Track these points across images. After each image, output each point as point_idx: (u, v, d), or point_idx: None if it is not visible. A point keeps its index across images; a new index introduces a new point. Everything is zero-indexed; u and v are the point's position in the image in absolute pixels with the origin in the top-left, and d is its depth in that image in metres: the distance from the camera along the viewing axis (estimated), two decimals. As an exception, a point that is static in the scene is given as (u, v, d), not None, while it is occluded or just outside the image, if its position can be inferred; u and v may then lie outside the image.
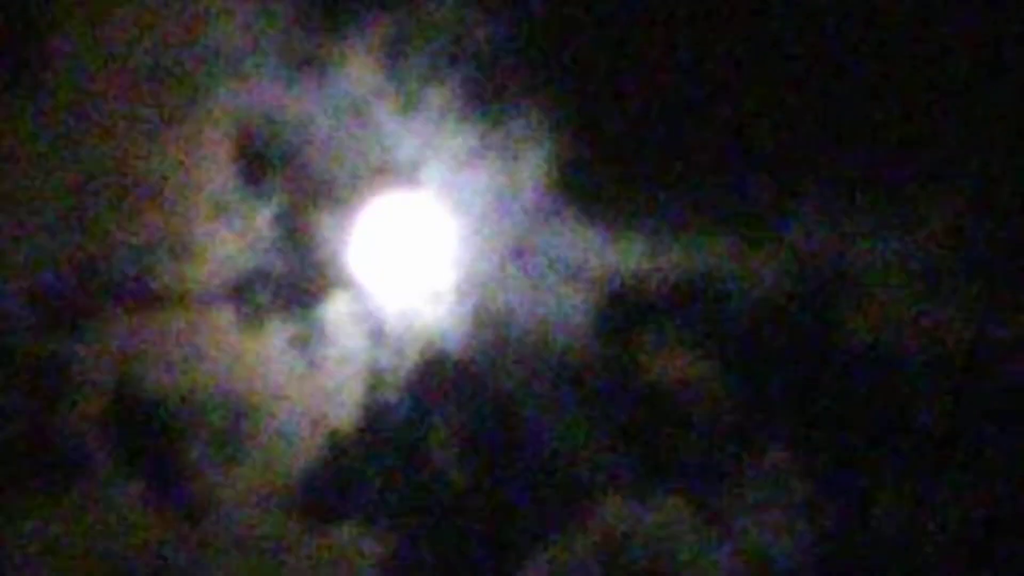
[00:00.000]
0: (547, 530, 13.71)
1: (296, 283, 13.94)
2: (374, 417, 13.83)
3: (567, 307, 13.94)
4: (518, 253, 13.99)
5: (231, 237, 13.85)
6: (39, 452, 13.55)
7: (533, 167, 13.98)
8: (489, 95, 14.05)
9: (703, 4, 13.99)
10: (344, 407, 13.82)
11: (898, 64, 13.80)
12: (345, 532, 13.71)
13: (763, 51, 13.84)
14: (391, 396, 13.90)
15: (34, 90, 13.74)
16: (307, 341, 13.85)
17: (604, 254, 13.96)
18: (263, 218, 13.91)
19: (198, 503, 13.69)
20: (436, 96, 14.02)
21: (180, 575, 13.58)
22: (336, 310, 13.91)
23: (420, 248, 14.06)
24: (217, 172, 13.84)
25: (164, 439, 13.76)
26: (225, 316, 13.80)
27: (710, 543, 13.77)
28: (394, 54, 13.99)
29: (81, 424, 13.61)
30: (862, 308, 13.87)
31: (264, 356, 13.80)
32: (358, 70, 13.96)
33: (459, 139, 13.97)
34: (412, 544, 13.73)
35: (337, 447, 13.80)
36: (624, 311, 13.99)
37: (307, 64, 13.92)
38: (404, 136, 13.97)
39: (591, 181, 14.01)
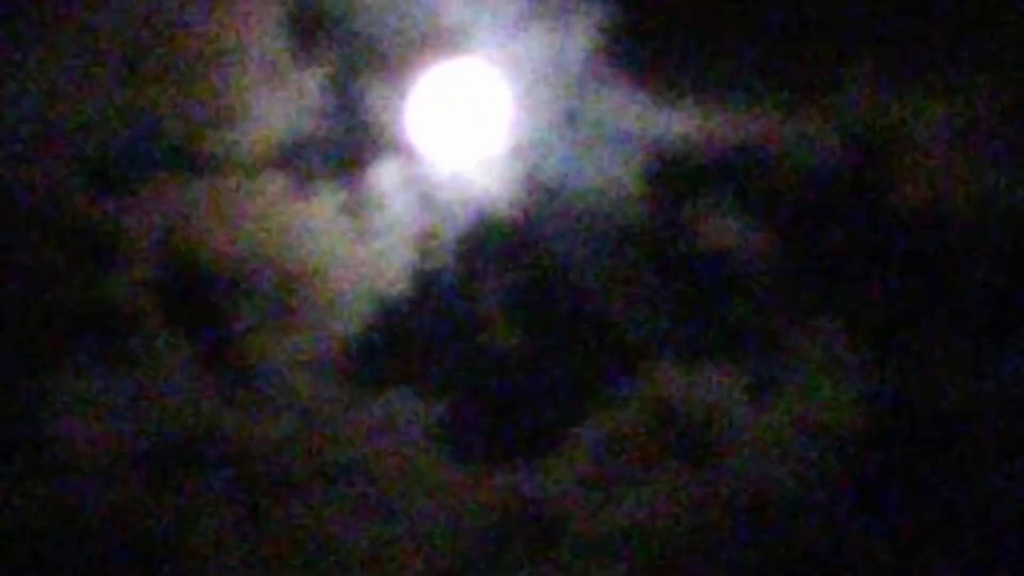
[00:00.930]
0: (596, 395, 13.63)
1: (346, 149, 13.89)
2: (424, 283, 13.78)
3: (618, 172, 13.87)
4: (568, 119, 13.89)
5: (281, 102, 13.79)
6: (90, 315, 13.56)
7: (582, 33, 13.88)
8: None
9: None
10: (394, 273, 13.77)
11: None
12: (394, 397, 13.66)
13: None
14: (441, 262, 13.83)
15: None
16: (357, 207, 13.81)
17: (655, 120, 13.88)
18: (313, 83, 13.85)
19: (247, 367, 13.67)
20: (486, -38, 13.93)
21: (229, 437, 13.54)
22: (386, 176, 13.86)
23: (469, 113, 13.97)
24: (266, 37, 13.79)
25: (214, 304, 13.73)
26: (275, 182, 13.76)
27: (761, 410, 13.70)
28: (444, -82, 13.90)
29: (131, 288, 13.61)
30: (915, 172, 13.76)
31: (314, 222, 13.77)
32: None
33: (508, 5, 13.86)
34: (461, 409, 13.67)
35: (386, 313, 13.75)
36: (675, 177, 13.91)
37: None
38: (453, 1, 13.86)
39: (640, 47, 13.92)
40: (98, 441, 13.51)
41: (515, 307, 13.87)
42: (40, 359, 13.51)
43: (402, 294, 13.82)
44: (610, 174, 13.89)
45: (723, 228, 13.95)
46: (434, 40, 13.99)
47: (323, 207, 13.87)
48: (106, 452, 13.46)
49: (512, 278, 13.89)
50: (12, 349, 13.50)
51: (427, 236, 13.88)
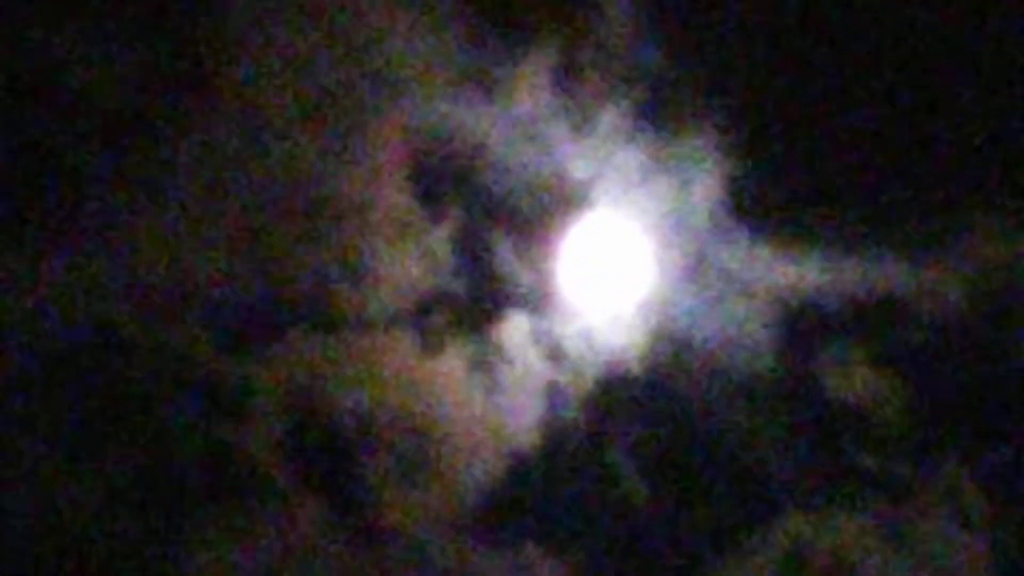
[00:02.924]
0: (729, 544, 13.65)
1: (474, 304, 13.94)
2: (555, 437, 13.82)
3: (745, 324, 13.94)
4: (694, 271, 13.98)
5: (409, 259, 13.87)
6: (222, 473, 13.58)
7: (705, 186, 14.01)
8: (661, 114, 14.08)
9: (872, 24, 13.96)
10: (524, 427, 13.82)
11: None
12: (527, 553, 13.66)
13: (938, 71, 13.83)
14: (571, 415, 13.88)
15: (212, 117, 13.81)
16: (486, 362, 13.85)
17: (779, 271, 13.96)
18: (440, 239, 13.94)
19: (378, 525, 13.69)
20: (608, 116, 14.04)
21: (361, 597, 13.54)
22: (515, 331, 13.91)
23: (596, 267, 14.05)
24: (394, 193, 13.90)
25: (345, 461, 13.77)
26: (405, 338, 13.81)
27: (890, 557, 13.71)
28: (566, 74, 14.03)
29: (263, 446, 13.64)
30: (1042, 322, 13.83)
31: (444, 377, 13.81)
32: (530, 89, 14.00)
33: (631, 158, 13.99)
34: (594, 563, 13.66)
35: (518, 467, 13.80)
36: (802, 327, 13.99)
37: (479, 84, 13.96)
38: (577, 156, 14.00)
39: (763, 199, 14.02)
40: (229, 597, 13.48)
41: (645, 460, 13.87)
42: (174, 516, 13.50)
43: (533, 448, 13.84)
44: (737, 325, 13.95)
45: (852, 377, 14.00)
46: (558, 194, 14.09)
47: (453, 362, 13.91)
48: (238, 610, 13.44)
49: (642, 431, 13.92)
50: (147, 507, 13.51)
51: (557, 390, 13.91)
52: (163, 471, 13.48)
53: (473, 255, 14.04)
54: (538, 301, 14.01)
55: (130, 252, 13.48)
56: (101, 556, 13.27)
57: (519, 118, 13.96)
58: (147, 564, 13.34)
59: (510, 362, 13.92)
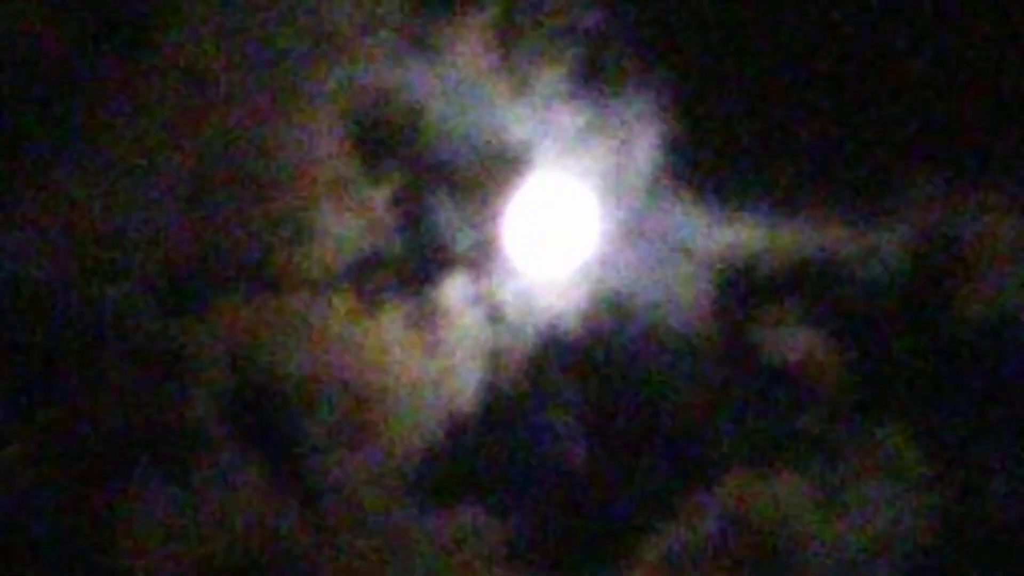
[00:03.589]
0: (667, 507, 13.68)
1: (414, 265, 13.93)
2: (493, 398, 13.80)
3: (683, 286, 13.94)
4: (632, 233, 13.98)
5: (349, 219, 13.84)
6: (160, 435, 13.56)
7: (644, 147, 13.99)
8: (600, 75, 14.06)
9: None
10: (463, 389, 13.80)
11: (1013, 43, 13.79)
12: (465, 514, 13.67)
13: (877, 26, 13.82)
14: (510, 377, 13.86)
15: (149, 76, 13.77)
16: (426, 323, 13.84)
17: (719, 234, 13.97)
18: (379, 199, 13.91)
19: (317, 485, 13.67)
20: (548, 77, 14.01)
21: (299, 557, 13.53)
22: (454, 291, 13.90)
23: (535, 228, 14.04)
24: (333, 153, 13.86)
25: (283, 422, 13.76)
26: (344, 298, 13.79)
27: (829, 519, 13.76)
28: (505, 35, 13.98)
29: (201, 407, 13.62)
30: (980, 284, 13.86)
31: (383, 338, 13.79)
32: (469, 50, 13.96)
33: (570, 120, 13.97)
34: (532, 525, 13.69)
35: (456, 429, 13.78)
36: (741, 290, 13.99)
37: (419, 45, 13.91)
38: (516, 117, 13.97)
39: (703, 161, 14.01)
40: (168, 561, 13.47)
41: (586, 421, 13.89)
42: (110, 478, 13.48)
43: (472, 409, 13.83)
44: (676, 287, 13.96)
45: (790, 339, 14.01)
46: (500, 155, 14.07)
47: (391, 323, 13.90)
48: (176, 573, 13.42)
49: (582, 392, 13.92)
50: (82, 468, 13.47)
51: (496, 351, 13.90)
52: (99, 433, 13.45)
53: (413, 216, 14.03)
54: (478, 262, 13.99)
55: (66, 212, 13.43)
56: (34, 519, 13.24)
57: (458, 79, 13.93)
58: (84, 527, 13.31)
59: (449, 323, 13.91)
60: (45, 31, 13.35)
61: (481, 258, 13.98)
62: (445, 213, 14.00)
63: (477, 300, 13.91)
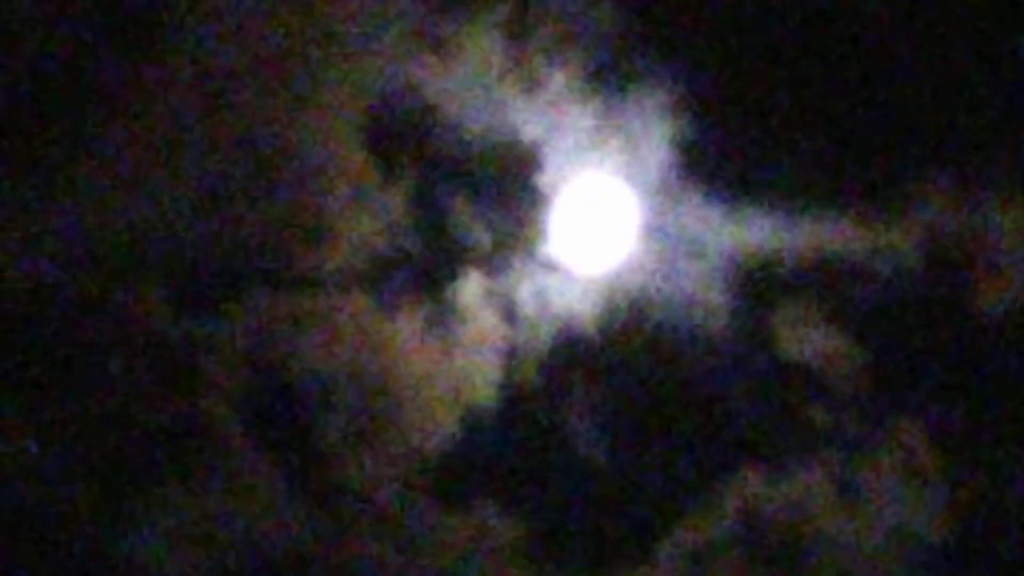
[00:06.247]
0: (684, 504, 13.71)
1: (430, 264, 13.98)
2: (510, 397, 13.85)
3: (698, 284, 13.99)
4: (646, 232, 14.04)
5: (366, 219, 13.89)
6: (177, 434, 13.58)
7: (657, 147, 14.04)
8: (611, 75, 14.12)
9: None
10: (480, 387, 13.85)
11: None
12: (483, 513, 13.70)
13: (889, 26, 13.89)
14: (527, 376, 13.90)
15: (164, 78, 13.81)
16: (442, 322, 13.88)
17: (732, 232, 14.01)
18: (395, 198, 13.96)
19: (335, 485, 13.69)
20: (559, 76, 14.07)
21: (316, 556, 13.56)
22: (470, 291, 13.95)
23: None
24: (349, 152, 13.92)
25: (300, 422, 13.79)
26: (361, 297, 13.84)
27: (844, 514, 13.81)
28: (517, 34, 14.05)
29: (219, 407, 13.65)
30: (993, 280, 13.91)
31: (400, 337, 13.84)
32: (482, 50, 14.02)
33: (582, 119, 14.03)
34: (549, 523, 13.73)
35: (474, 427, 13.82)
36: (755, 287, 14.04)
37: (431, 43, 13.97)
38: (528, 116, 14.03)
39: (715, 160, 14.07)
40: (184, 562, 13.49)
41: (602, 420, 13.93)
42: (126, 479, 13.50)
43: (489, 408, 13.87)
44: (691, 286, 14.01)
45: (805, 336, 14.06)
46: (513, 155, 14.12)
47: (408, 323, 13.94)
48: (192, 573, 13.44)
49: (598, 391, 13.97)
50: (98, 469, 13.50)
51: (512, 350, 13.94)
52: (116, 433, 13.48)
53: (429, 216, 14.05)
54: (493, 261, 14.03)
55: (82, 211, 13.47)
56: (53, 522, 13.25)
57: (470, 78, 13.97)
58: (102, 529, 13.33)
59: (466, 322, 13.95)
60: (62, 34, 13.38)
61: (497, 257, 14.01)
62: (461, 213, 14.03)
63: (493, 299, 13.94)
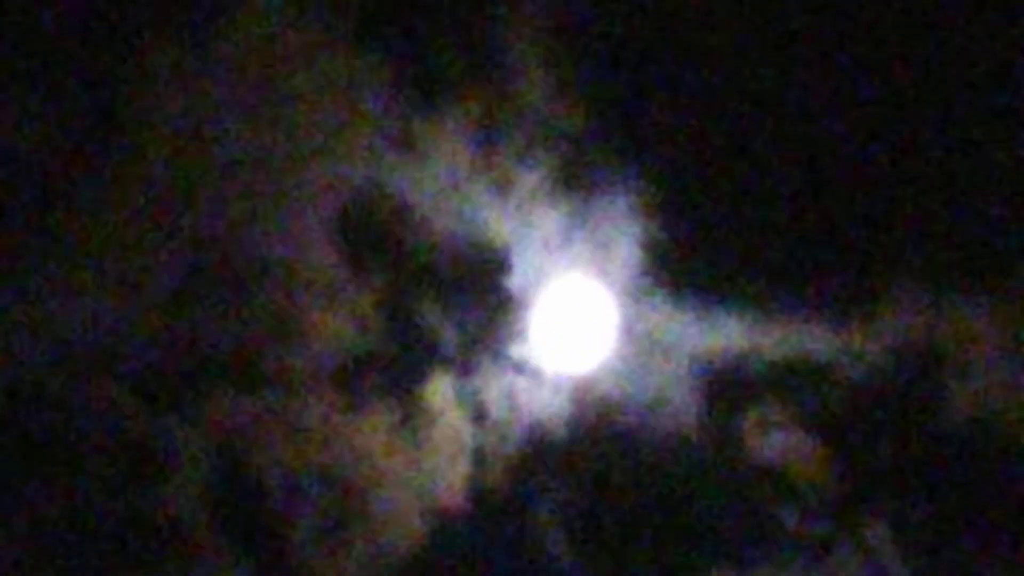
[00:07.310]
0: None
1: (399, 365, 14.03)
2: (479, 499, 13.87)
3: (668, 387, 14.03)
4: (615, 334, 14.08)
5: (334, 318, 13.94)
6: (143, 532, 13.59)
7: (625, 249, 14.09)
8: (580, 176, 14.17)
9: (793, 90, 14.09)
10: (448, 488, 13.86)
11: (993, 148, 13.93)
12: (451, 614, 13.72)
13: (860, 135, 13.98)
14: (495, 477, 13.93)
15: (132, 174, 13.86)
16: (411, 422, 13.91)
17: (702, 335, 14.05)
18: (365, 299, 14.01)
19: (303, 584, 13.69)
20: (528, 177, 14.14)
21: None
22: (439, 392, 13.99)
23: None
24: (318, 252, 13.96)
25: (269, 520, 13.80)
26: (330, 398, 13.87)
27: (814, 621, 13.81)
28: (486, 135, 14.12)
29: (186, 503, 13.66)
30: (962, 383, 13.96)
31: (369, 437, 13.87)
32: (450, 150, 14.08)
33: (551, 221, 14.09)
34: (517, 624, 13.73)
35: (442, 528, 13.83)
36: (725, 390, 14.07)
37: (400, 144, 14.04)
38: (498, 217, 14.08)
39: (684, 262, 14.10)
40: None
41: (571, 522, 13.94)
42: (91, 573, 13.51)
43: (458, 509, 13.89)
44: (660, 388, 14.05)
45: (773, 439, 14.10)
46: (482, 256, 14.17)
47: (377, 422, 13.97)
48: (161, 671, 13.46)
49: (567, 493, 13.98)
50: (66, 563, 13.51)
51: (481, 452, 13.97)
52: (82, 532, 13.49)
53: (398, 316, 14.11)
54: (463, 362, 14.06)
55: (51, 309, 13.51)
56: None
57: (439, 178, 14.03)
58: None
59: (435, 422, 13.98)
60: (24, 130, 13.44)
61: (466, 358, 14.05)
62: (430, 313, 14.08)
63: (462, 400, 13.98)
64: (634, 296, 14.04)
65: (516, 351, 14.12)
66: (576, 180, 14.08)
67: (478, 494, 13.91)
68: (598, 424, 13.98)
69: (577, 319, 14.11)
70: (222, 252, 13.96)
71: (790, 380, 14.07)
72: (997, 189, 13.91)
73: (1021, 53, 13.70)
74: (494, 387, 14.08)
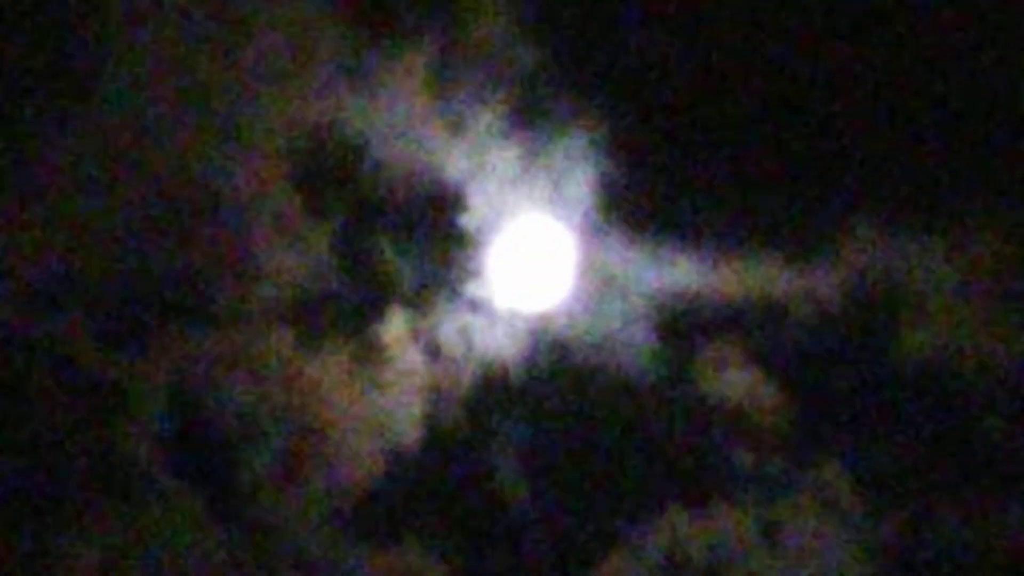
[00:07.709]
0: (607, 545, 13.73)
1: (354, 302, 14.00)
2: (434, 436, 13.85)
3: (622, 324, 14.02)
4: (570, 271, 14.06)
5: (291, 256, 13.90)
6: (100, 469, 13.57)
7: (580, 186, 14.06)
8: (535, 114, 14.14)
9: (747, 25, 14.03)
10: (404, 426, 13.86)
11: (953, 87, 13.90)
12: (407, 552, 13.71)
13: (816, 69, 13.93)
14: (451, 415, 13.92)
15: (88, 113, 13.80)
16: (366, 360, 13.89)
17: (657, 273, 14.03)
18: (320, 236, 13.97)
19: (258, 522, 13.69)
20: (483, 116, 14.09)
21: (239, 594, 13.58)
22: (394, 329, 13.97)
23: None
24: (275, 191, 13.92)
25: (224, 458, 13.78)
26: (285, 335, 13.85)
27: (767, 556, 13.84)
28: (442, 73, 14.08)
29: (141, 440, 13.64)
30: (918, 324, 13.97)
31: (324, 375, 13.84)
32: (406, 88, 14.04)
33: (506, 158, 14.05)
34: (472, 562, 13.73)
35: (398, 466, 13.83)
36: (679, 328, 14.07)
37: (356, 82, 14.00)
38: (453, 155, 14.05)
39: (639, 200, 14.08)
40: (107, 597, 13.50)
41: (526, 459, 13.95)
42: (47, 511, 13.49)
43: (413, 446, 13.89)
44: (615, 326, 14.03)
45: (728, 377, 14.09)
46: (438, 193, 14.15)
47: (332, 360, 13.95)
48: (115, 608, 13.46)
49: (522, 430, 13.98)
50: (19, 501, 13.49)
51: (436, 389, 13.96)
52: (38, 468, 13.46)
53: (353, 253, 14.08)
54: (417, 300, 14.04)
55: (5, 244, 13.46)
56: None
57: (395, 116, 13.99)
58: (23, 563, 13.31)
59: (390, 360, 13.96)
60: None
61: (422, 296, 14.03)
62: (386, 251, 14.05)
63: (417, 337, 13.96)
64: (590, 234, 14.01)
65: (472, 289, 14.10)
66: (532, 118, 14.05)
67: (434, 432, 13.91)
68: (553, 362, 13.98)
69: (533, 257, 14.07)
70: (176, 190, 13.91)
71: (746, 319, 14.07)
72: (957, 129, 13.87)
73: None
74: (450, 325, 14.06)
